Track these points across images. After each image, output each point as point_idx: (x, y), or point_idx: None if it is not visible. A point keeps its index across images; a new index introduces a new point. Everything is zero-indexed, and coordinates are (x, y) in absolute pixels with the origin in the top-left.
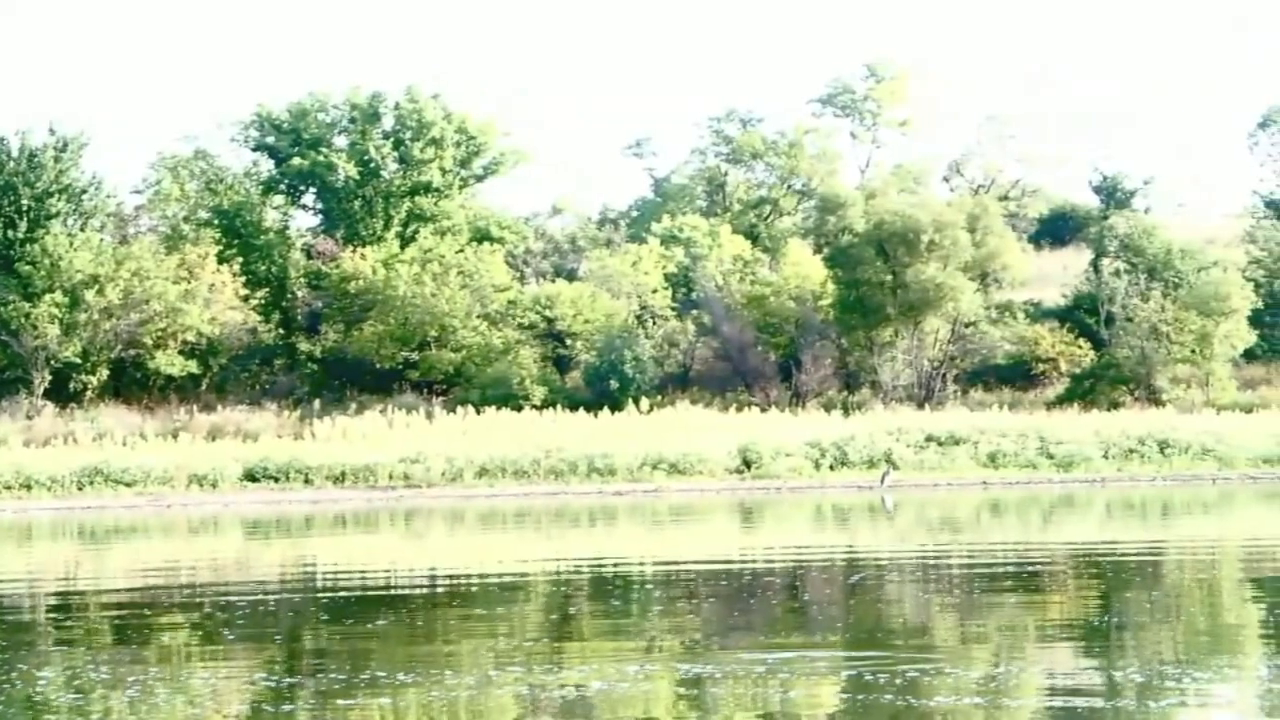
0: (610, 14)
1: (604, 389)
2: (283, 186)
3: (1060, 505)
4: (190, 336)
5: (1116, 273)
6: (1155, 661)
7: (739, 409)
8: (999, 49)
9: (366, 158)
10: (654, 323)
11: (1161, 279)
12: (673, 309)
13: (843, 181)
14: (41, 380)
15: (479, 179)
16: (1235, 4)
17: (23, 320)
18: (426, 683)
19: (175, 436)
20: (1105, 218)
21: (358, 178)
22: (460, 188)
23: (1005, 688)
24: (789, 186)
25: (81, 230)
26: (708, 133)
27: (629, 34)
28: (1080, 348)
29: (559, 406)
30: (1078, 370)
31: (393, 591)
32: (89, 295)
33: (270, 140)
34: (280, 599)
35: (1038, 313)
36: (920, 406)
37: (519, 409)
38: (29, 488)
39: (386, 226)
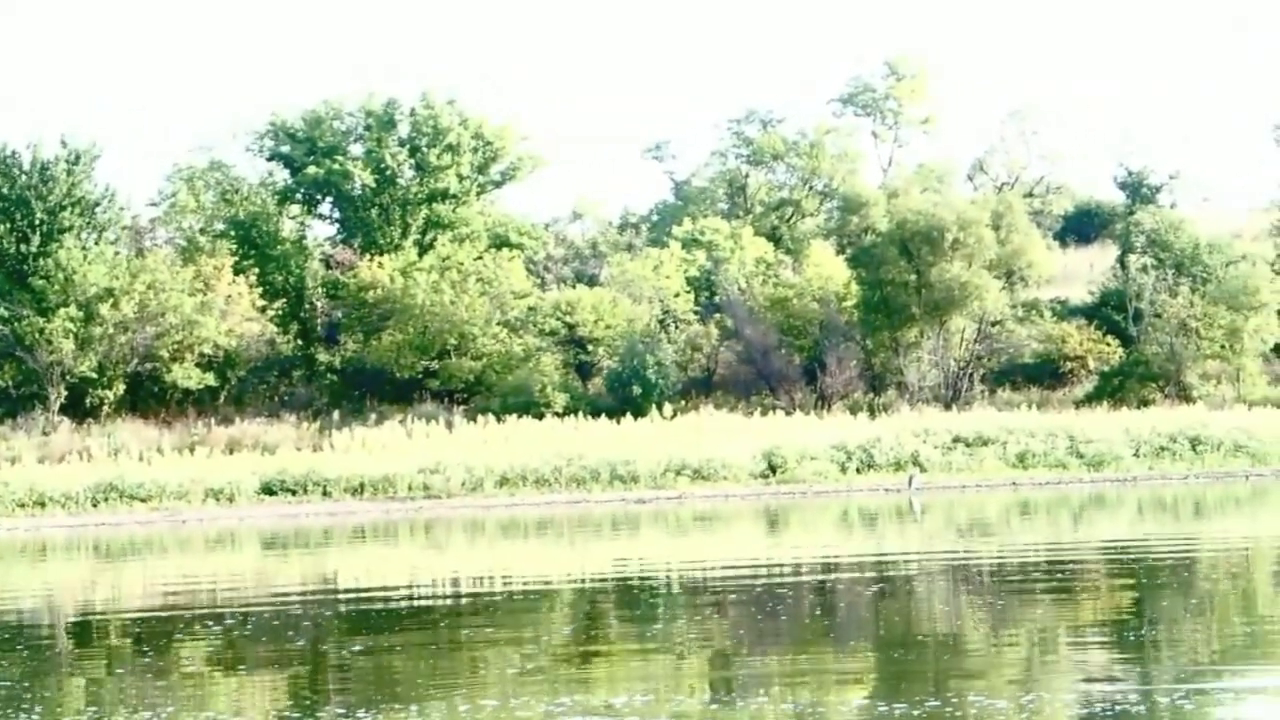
0: (627, 16)
1: (626, 395)
2: (299, 196)
3: (1091, 505)
4: (207, 349)
5: (1144, 268)
6: (1191, 668)
7: (763, 413)
8: (1020, 45)
9: (383, 165)
10: (676, 327)
11: (1189, 274)
12: (695, 313)
13: (865, 181)
14: (57, 396)
15: (497, 185)
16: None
17: (37, 335)
18: (449, 702)
19: (192, 450)
20: (1131, 213)
21: (374, 186)
22: (478, 194)
23: (1038, 702)
24: (810, 187)
25: (96, 244)
26: (728, 134)
27: (646, 36)
28: (1108, 345)
29: (581, 413)
30: (1106, 368)
31: (414, 605)
32: (104, 309)
33: (285, 149)
34: (299, 614)
35: (1065, 310)
36: (947, 407)
37: (540, 416)
38: (43, 505)
39: (404, 234)
